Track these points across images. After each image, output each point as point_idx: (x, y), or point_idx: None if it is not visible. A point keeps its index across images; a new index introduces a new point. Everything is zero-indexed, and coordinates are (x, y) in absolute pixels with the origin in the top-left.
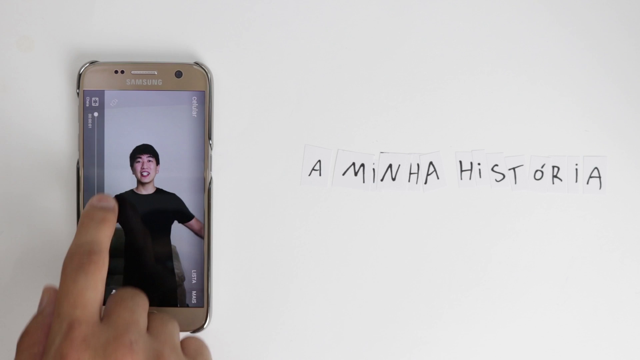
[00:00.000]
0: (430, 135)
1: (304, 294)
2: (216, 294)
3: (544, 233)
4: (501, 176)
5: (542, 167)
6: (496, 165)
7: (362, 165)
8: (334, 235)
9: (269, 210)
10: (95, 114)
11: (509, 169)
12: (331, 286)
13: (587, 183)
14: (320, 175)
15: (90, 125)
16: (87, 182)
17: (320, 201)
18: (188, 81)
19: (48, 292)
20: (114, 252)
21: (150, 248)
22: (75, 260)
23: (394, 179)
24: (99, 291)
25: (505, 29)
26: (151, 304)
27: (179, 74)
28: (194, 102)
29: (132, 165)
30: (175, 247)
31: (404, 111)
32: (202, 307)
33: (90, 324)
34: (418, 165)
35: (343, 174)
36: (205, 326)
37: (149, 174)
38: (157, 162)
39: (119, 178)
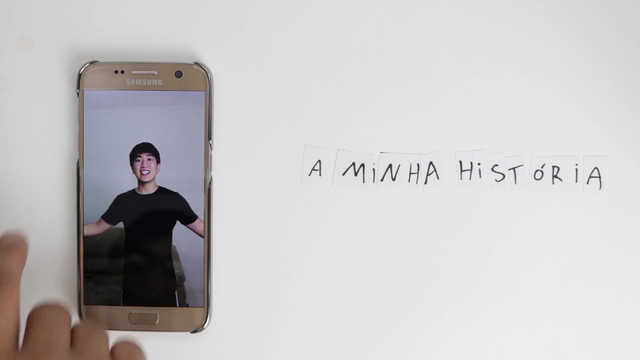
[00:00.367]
0: (430, 135)
1: (304, 294)
2: (216, 294)
3: (544, 233)
4: (501, 176)
5: (542, 167)
6: (496, 165)
7: (362, 165)
8: (333, 235)
9: (269, 210)
10: (95, 114)
11: (509, 169)
12: (331, 286)
13: (587, 183)
14: (320, 175)
15: (90, 125)
16: (87, 182)
17: (320, 201)
18: (188, 81)
19: None
20: (114, 252)
21: (150, 248)
22: None
23: (394, 179)
24: (10, 318)
25: (506, 29)
26: (151, 304)
27: (179, 74)
28: (194, 102)
29: (132, 164)
30: (175, 247)
31: (404, 111)
32: (202, 307)
33: (4, 355)
34: (418, 165)
35: (343, 174)
36: (205, 326)
37: (149, 172)
38: (158, 161)
39: (119, 178)
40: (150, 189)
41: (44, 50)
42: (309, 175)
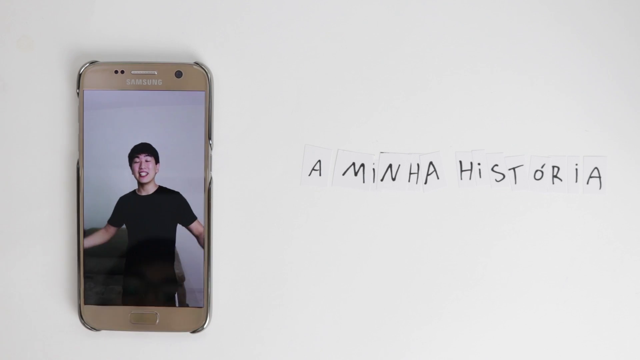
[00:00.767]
0: (430, 135)
1: (304, 294)
2: (216, 294)
3: (544, 233)
4: (501, 176)
5: (542, 167)
6: (496, 165)
7: (362, 165)
8: (333, 235)
9: (269, 210)
10: (95, 114)
11: (509, 169)
12: (330, 286)
13: (587, 183)
14: (320, 175)
15: (90, 125)
16: (87, 182)
17: (320, 201)
18: (188, 81)
19: None
20: (115, 252)
21: (151, 248)
22: None
23: (394, 179)
24: None
25: (506, 28)
26: (151, 304)
27: (179, 74)
28: (194, 102)
29: (130, 165)
30: (175, 247)
31: (404, 111)
32: (202, 307)
33: None
34: (418, 165)
35: (343, 174)
36: (205, 326)
37: (147, 174)
38: (157, 161)
39: (119, 178)
40: (150, 190)
41: (44, 50)
42: (309, 175)
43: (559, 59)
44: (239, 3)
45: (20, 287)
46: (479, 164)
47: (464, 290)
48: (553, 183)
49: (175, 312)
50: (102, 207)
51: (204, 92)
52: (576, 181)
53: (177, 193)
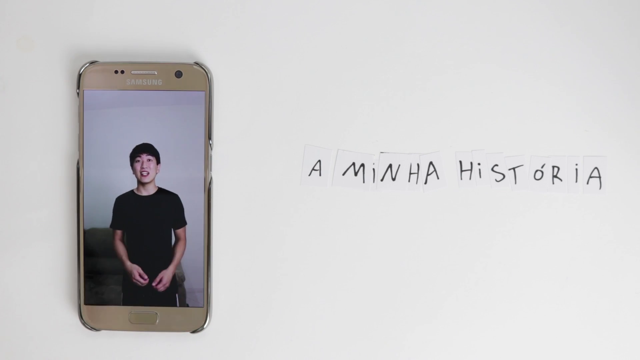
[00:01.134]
0: (430, 135)
1: (304, 294)
2: (216, 294)
3: (544, 233)
4: (501, 176)
5: (542, 167)
6: (496, 165)
7: (362, 165)
8: (333, 234)
9: (268, 210)
10: (95, 114)
11: (509, 169)
12: (330, 286)
13: (587, 183)
14: (320, 175)
15: (90, 125)
16: (87, 182)
17: (320, 201)
18: (188, 81)
19: None
20: (114, 253)
21: (150, 248)
22: None
23: (394, 179)
24: None
25: (506, 28)
26: (151, 304)
27: (179, 74)
28: (194, 102)
29: (132, 165)
30: (174, 247)
31: (404, 111)
32: (202, 307)
33: None
34: (418, 165)
35: (343, 174)
36: (205, 326)
37: (148, 173)
38: (158, 162)
39: (119, 178)
40: (150, 190)
41: (44, 50)
42: (309, 175)
43: (559, 59)
44: (239, 3)
45: (20, 287)
46: (479, 164)
47: (464, 290)
48: (553, 183)
49: (175, 312)
50: (102, 207)
51: (204, 92)
52: (576, 181)
53: (175, 195)
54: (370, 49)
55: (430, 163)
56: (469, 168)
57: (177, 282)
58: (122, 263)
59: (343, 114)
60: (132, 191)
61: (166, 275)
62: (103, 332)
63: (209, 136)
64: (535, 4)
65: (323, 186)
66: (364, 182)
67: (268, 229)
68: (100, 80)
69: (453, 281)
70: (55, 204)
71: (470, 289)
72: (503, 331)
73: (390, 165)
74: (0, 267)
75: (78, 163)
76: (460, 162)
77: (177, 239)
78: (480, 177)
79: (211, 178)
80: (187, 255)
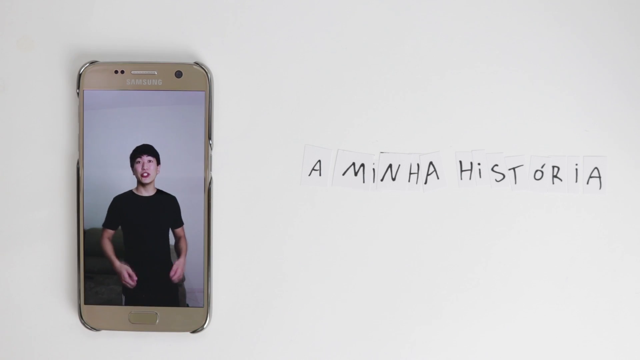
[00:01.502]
0: (430, 135)
1: (304, 294)
2: (216, 294)
3: (544, 233)
4: (501, 176)
5: (542, 167)
6: (496, 165)
7: (362, 165)
8: (333, 235)
9: (269, 210)
10: (95, 114)
11: (509, 169)
12: (330, 286)
13: (587, 183)
14: (320, 175)
15: (90, 125)
16: (87, 182)
17: (320, 201)
18: (188, 81)
19: None
20: (102, 252)
21: (149, 248)
22: None
23: (394, 179)
24: None
25: (506, 28)
26: (151, 304)
27: (179, 74)
28: (194, 102)
29: (132, 166)
30: (175, 247)
31: (404, 111)
32: (202, 307)
33: None
34: (418, 165)
35: (343, 174)
36: (205, 326)
37: (149, 175)
38: (158, 163)
39: (119, 178)
40: (150, 191)
41: (44, 50)
42: (309, 175)
43: (559, 59)
44: (239, 3)
45: (20, 287)
46: (479, 164)
47: (464, 290)
48: (553, 183)
49: (175, 312)
50: (102, 207)
51: (204, 92)
52: (576, 181)
53: (173, 197)
54: (370, 49)
55: (430, 163)
56: (469, 168)
57: (177, 282)
58: (111, 263)
59: (343, 114)
60: (131, 191)
61: (180, 266)
62: (103, 332)
63: (209, 136)
64: (534, 4)
65: (323, 186)
66: (364, 182)
67: (268, 229)
68: (100, 80)
69: (453, 281)
70: (55, 204)
71: (470, 288)
72: (503, 331)
73: (390, 165)
74: (0, 267)
75: (78, 163)
76: (460, 162)
77: (178, 237)
78: (480, 177)
79: (211, 178)
80: (187, 255)
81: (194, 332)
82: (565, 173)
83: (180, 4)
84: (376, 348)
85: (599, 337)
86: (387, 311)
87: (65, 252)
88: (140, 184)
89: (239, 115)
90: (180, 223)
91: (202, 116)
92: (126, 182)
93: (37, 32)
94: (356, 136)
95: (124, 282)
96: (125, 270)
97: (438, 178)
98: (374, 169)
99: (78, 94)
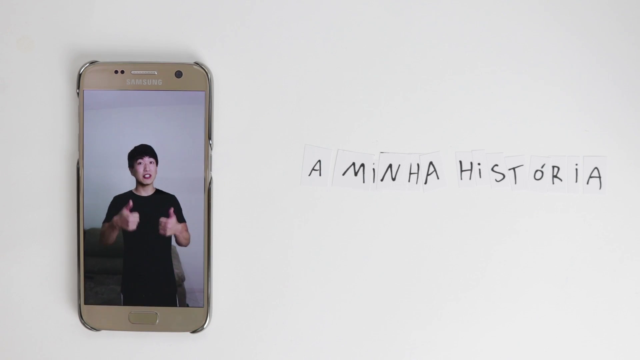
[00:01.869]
0: (430, 135)
1: (304, 294)
2: (216, 294)
3: (544, 233)
4: (501, 176)
5: (542, 167)
6: (496, 165)
7: (362, 165)
8: (333, 235)
9: (269, 210)
10: (96, 114)
11: (509, 169)
12: (331, 286)
13: (587, 183)
14: (320, 175)
15: (90, 125)
16: (87, 182)
17: (320, 201)
18: (188, 81)
19: None
20: (113, 252)
21: (149, 248)
22: None
23: (394, 179)
24: None
25: (505, 28)
26: (151, 304)
27: (179, 74)
28: (194, 102)
29: (131, 166)
30: (175, 247)
31: (404, 111)
32: (202, 307)
33: None
34: (418, 165)
35: (343, 174)
36: (205, 326)
37: (150, 176)
38: (157, 163)
39: (119, 178)
40: (149, 191)
41: (44, 50)
42: (309, 175)
43: (559, 59)
44: (239, 3)
45: (20, 287)
46: (479, 164)
47: (464, 290)
48: (553, 183)
49: (175, 312)
50: (102, 207)
51: (204, 92)
52: (576, 181)
53: (173, 196)
54: (370, 49)
55: (430, 163)
56: (469, 168)
57: (177, 282)
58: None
59: (343, 114)
60: (130, 191)
61: (169, 223)
62: (103, 332)
63: (209, 136)
64: (534, 5)
65: (323, 186)
66: (364, 182)
67: (268, 229)
68: (100, 80)
69: (453, 281)
70: (55, 204)
71: (470, 288)
72: (503, 331)
73: (390, 165)
74: (0, 267)
75: (78, 163)
76: (460, 162)
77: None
78: (480, 177)
79: (211, 178)
80: (187, 255)
81: (194, 332)
82: (565, 173)
83: (180, 4)
84: (375, 347)
85: (599, 337)
86: (386, 310)
87: (65, 252)
88: (140, 184)
89: (239, 115)
90: (181, 220)
91: (202, 116)
92: (126, 182)
93: (37, 32)
94: (356, 136)
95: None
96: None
97: (438, 178)
98: (374, 169)
99: (78, 94)
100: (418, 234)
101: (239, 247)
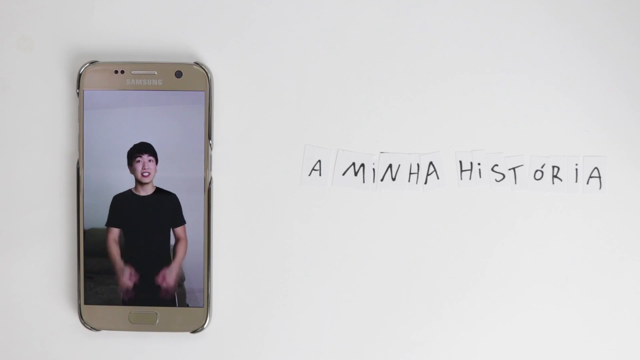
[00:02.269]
0: (430, 135)
1: (304, 294)
2: (216, 294)
3: (544, 233)
4: (501, 176)
5: (542, 167)
6: (496, 165)
7: (362, 165)
8: (333, 235)
9: (269, 210)
10: (96, 114)
11: (509, 169)
12: (331, 286)
13: (587, 183)
14: (320, 175)
15: (90, 125)
16: (87, 182)
17: (320, 201)
18: (188, 81)
19: None
20: (106, 253)
21: (149, 248)
22: None
23: (394, 179)
24: None
25: (505, 29)
26: (151, 304)
27: (179, 74)
28: (194, 102)
29: (130, 164)
30: (175, 247)
31: (404, 111)
32: (202, 307)
33: None
34: (418, 165)
35: (343, 174)
36: (205, 326)
37: (149, 174)
38: (157, 161)
39: (120, 178)
40: (148, 190)
41: (44, 50)
42: (309, 175)
43: (559, 60)
44: (240, 3)
45: (20, 287)
46: (479, 164)
47: (464, 290)
48: (553, 183)
49: (175, 312)
50: (102, 207)
51: (204, 92)
52: (576, 181)
53: (173, 195)
54: (370, 49)
55: (430, 163)
56: (469, 168)
57: (178, 282)
58: (114, 264)
59: (343, 114)
60: (130, 190)
61: (169, 274)
62: (103, 332)
63: (209, 136)
64: (534, 5)
65: (323, 186)
66: (364, 182)
67: (268, 229)
68: (100, 80)
69: (453, 281)
70: (55, 204)
71: (470, 288)
72: (503, 331)
73: (390, 165)
74: (0, 267)
75: (78, 163)
76: (460, 162)
77: (178, 238)
78: (480, 177)
79: (211, 178)
80: (187, 255)
81: (194, 332)
82: (565, 173)
83: (180, 4)
84: (375, 347)
85: (599, 337)
86: (386, 310)
87: (65, 252)
88: (139, 183)
89: (239, 115)
90: (181, 221)
91: (202, 116)
92: (126, 182)
93: (37, 32)
94: (356, 136)
95: (122, 279)
96: (128, 271)
97: (438, 178)
98: (374, 169)
99: (78, 94)
100: (418, 234)
101: (239, 247)
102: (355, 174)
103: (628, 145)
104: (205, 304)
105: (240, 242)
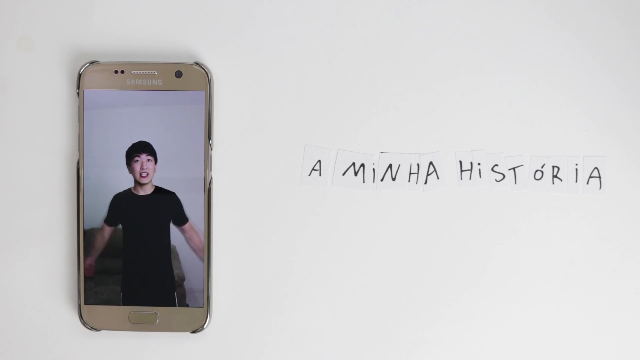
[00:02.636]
0: (430, 135)
1: (304, 294)
2: (216, 294)
3: (544, 233)
4: (501, 176)
5: (542, 167)
6: (496, 165)
7: (362, 165)
8: (334, 235)
9: (269, 210)
10: (96, 114)
11: (509, 169)
12: (331, 286)
13: (587, 183)
14: (320, 175)
15: (90, 125)
16: (87, 182)
17: (320, 201)
18: (188, 81)
19: None
20: (113, 252)
21: (149, 248)
22: None
23: (394, 179)
24: None
25: (505, 29)
26: (151, 304)
27: (179, 74)
28: (194, 102)
29: (129, 164)
30: (175, 247)
31: (404, 111)
32: (202, 307)
33: None
34: (418, 165)
35: (343, 174)
36: (205, 326)
37: (148, 174)
38: (156, 161)
39: (119, 178)
40: (147, 190)
41: (44, 50)
42: (309, 175)
43: (559, 60)
44: (240, 3)
45: (20, 287)
46: (479, 164)
47: (464, 290)
48: (553, 183)
49: (175, 312)
50: (102, 207)
51: (204, 92)
52: (576, 181)
53: (173, 193)
54: (370, 49)
55: (430, 163)
56: (469, 168)
57: (177, 282)
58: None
59: (343, 114)
60: (129, 190)
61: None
62: (103, 332)
63: (209, 136)
64: (534, 5)
65: (323, 186)
66: (364, 182)
67: (268, 229)
68: (100, 80)
69: (453, 281)
70: (55, 204)
71: (470, 288)
72: (503, 331)
73: (390, 165)
74: (0, 267)
75: (78, 163)
76: (460, 162)
77: (188, 235)
78: (480, 177)
79: (211, 178)
80: (187, 255)
81: (194, 332)
82: (565, 173)
83: (180, 4)
84: (376, 347)
85: (599, 337)
86: (386, 311)
87: (65, 252)
88: (138, 183)
89: (239, 115)
90: (184, 219)
91: (202, 116)
92: (126, 181)
93: (37, 32)
94: (356, 136)
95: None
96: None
97: (438, 178)
98: (374, 169)
99: (78, 94)
100: (418, 234)
101: (239, 247)
102: (355, 174)
103: (628, 145)
104: (205, 304)
105: (240, 242)
